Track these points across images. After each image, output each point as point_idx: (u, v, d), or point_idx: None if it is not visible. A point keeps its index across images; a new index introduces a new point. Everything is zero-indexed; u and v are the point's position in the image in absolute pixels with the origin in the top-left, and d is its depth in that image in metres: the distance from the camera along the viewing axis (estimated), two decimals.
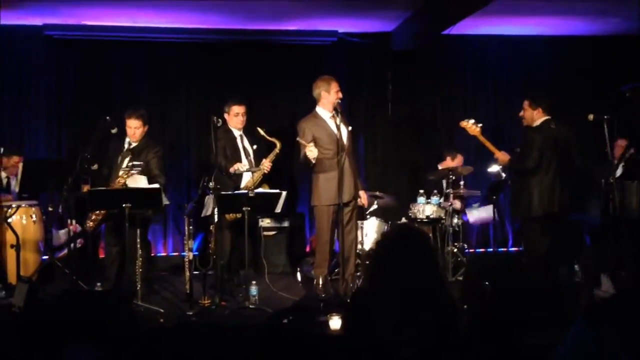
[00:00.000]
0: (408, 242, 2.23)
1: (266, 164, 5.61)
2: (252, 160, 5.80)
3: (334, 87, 5.22)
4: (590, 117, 5.19)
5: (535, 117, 5.34)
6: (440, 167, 6.71)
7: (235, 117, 5.74)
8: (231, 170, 5.58)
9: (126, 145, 5.49)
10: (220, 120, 5.36)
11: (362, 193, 5.46)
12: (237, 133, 5.80)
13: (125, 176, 5.13)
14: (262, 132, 5.62)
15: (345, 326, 2.69)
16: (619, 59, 7.40)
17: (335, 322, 3.76)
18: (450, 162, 6.69)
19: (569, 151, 5.33)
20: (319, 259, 5.32)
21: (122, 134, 5.50)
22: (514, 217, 5.63)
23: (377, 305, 2.20)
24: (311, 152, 5.03)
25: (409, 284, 2.16)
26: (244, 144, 5.82)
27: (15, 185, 6.01)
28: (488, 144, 5.46)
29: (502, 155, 5.45)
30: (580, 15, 6.82)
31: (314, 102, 5.46)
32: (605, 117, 5.11)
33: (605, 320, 2.07)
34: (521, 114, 5.44)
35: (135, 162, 5.20)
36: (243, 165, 5.66)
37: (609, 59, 7.47)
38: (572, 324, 2.08)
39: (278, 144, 5.61)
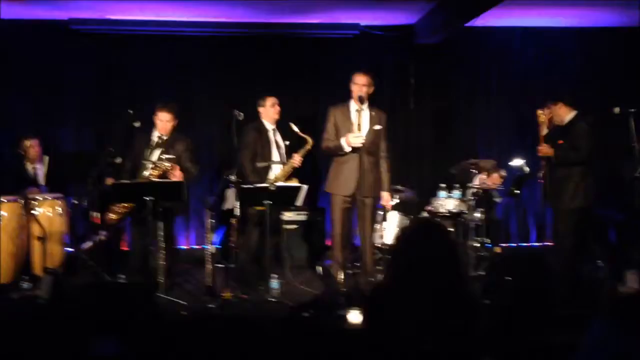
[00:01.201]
0: (428, 237, 2.22)
1: (297, 159, 5.63)
2: (284, 154, 5.81)
3: (355, 79, 5.25)
4: (617, 110, 5.10)
5: (562, 112, 5.28)
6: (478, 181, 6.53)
7: (272, 108, 5.73)
8: (259, 164, 5.61)
9: (155, 139, 5.53)
10: (241, 113, 5.36)
11: (384, 194, 5.43)
12: (269, 127, 5.79)
13: (158, 169, 5.20)
14: (294, 127, 5.61)
15: (365, 320, 2.68)
16: None
17: (354, 316, 3.77)
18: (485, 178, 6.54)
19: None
20: (334, 251, 5.38)
21: (149, 127, 5.56)
22: (553, 208, 5.50)
23: (396, 300, 2.20)
24: (358, 137, 5.05)
25: (428, 279, 2.14)
26: (276, 138, 5.82)
27: (42, 178, 6.12)
28: (542, 135, 5.40)
29: (546, 148, 5.35)
30: (607, 6, 6.70)
31: (335, 95, 5.46)
32: (632, 110, 5.02)
33: (628, 317, 2.05)
34: (549, 116, 5.38)
35: (167, 155, 5.30)
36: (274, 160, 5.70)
37: (636, 51, 7.33)
38: (594, 320, 2.06)
39: (310, 141, 5.61)
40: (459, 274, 2.21)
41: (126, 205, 5.34)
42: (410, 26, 7.32)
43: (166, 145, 5.46)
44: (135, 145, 5.60)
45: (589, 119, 5.24)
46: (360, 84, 5.22)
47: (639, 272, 4.64)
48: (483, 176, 6.40)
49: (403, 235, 2.38)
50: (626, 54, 7.40)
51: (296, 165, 5.64)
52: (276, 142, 5.81)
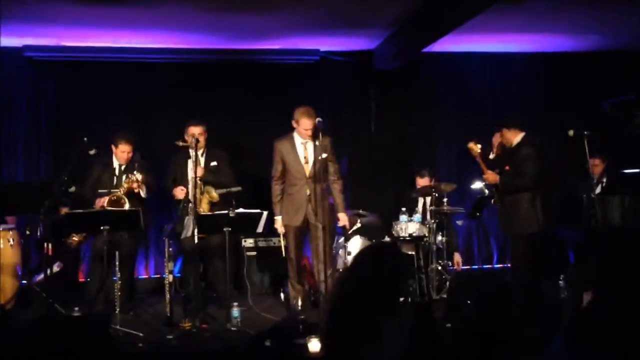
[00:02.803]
0: (374, 258, 2.22)
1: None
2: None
3: (302, 123, 5.25)
4: (571, 132, 5.20)
5: (513, 136, 5.40)
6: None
7: (191, 138, 5.52)
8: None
9: (116, 168, 5.63)
10: (198, 139, 5.31)
11: (341, 215, 5.48)
12: (192, 152, 5.59)
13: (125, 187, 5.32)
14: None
15: (323, 347, 2.64)
16: (599, 74, 7.45)
17: (314, 345, 3.70)
18: (423, 182, 6.64)
19: (546, 165, 5.41)
20: (290, 278, 5.48)
21: (106, 157, 5.63)
22: (506, 234, 5.61)
23: (348, 324, 2.17)
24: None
25: (374, 297, 2.14)
26: (200, 161, 5.69)
27: None
28: (482, 164, 5.53)
29: (492, 176, 5.44)
30: (560, 32, 6.87)
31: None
32: (585, 132, 5.12)
33: (584, 336, 2.08)
34: (500, 140, 5.48)
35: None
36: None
37: (589, 75, 7.52)
38: (554, 338, 2.09)
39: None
40: (401, 287, 2.21)
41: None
42: (370, 52, 7.38)
43: (129, 171, 5.53)
44: (92, 174, 5.58)
45: (536, 141, 5.34)
46: (306, 128, 5.22)
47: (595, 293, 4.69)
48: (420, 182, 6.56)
49: (355, 257, 2.39)
50: (580, 77, 7.57)
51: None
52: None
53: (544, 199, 5.29)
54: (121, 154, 5.60)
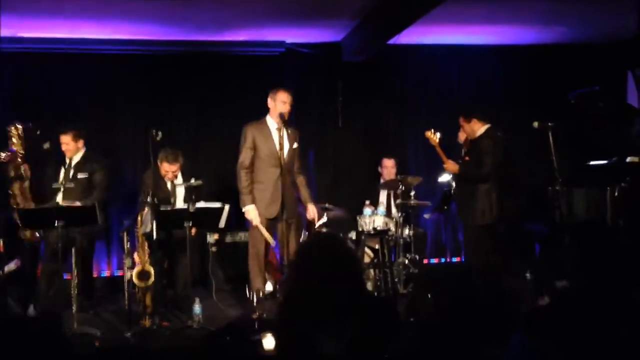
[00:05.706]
0: (322, 250, 2.15)
1: None
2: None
3: (280, 96, 5.15)
4: (535, 124, 5.18)
5: (475, 127, 5.42)
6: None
7: (165, 174, 5.47)
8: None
9: (67, 161, 5.51)
10: (159, 133, 5.14)
11: (310, 206, 5.36)
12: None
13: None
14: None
15: (277, 343, 2.56)
16: (566, 66, 7.46)
17: (268, 342, 3.61)
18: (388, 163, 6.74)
19: (511, 158, 5.42)
20: (252, 273, 5.24)
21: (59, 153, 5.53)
22: (464, 224, 5.69)
23: (300, 317, 2.10)
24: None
25: (324, 290, 2.07)
26: (175, 190, 5.59)
27: None
28: (441, 154, 5.59)
29: (452, 165, 5.52)
30: (526, 24, 6.85)
31: (263, 113, 5.34)
32: (550, 124, 5.10)
33: (542, 328, 2.06)
34: (461, 132, 5.65)
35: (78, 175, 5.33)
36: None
37: (554, 67, 7.53)
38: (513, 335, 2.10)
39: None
40: (355, 288, 2.14)
41: None
42: (337, 43, 7.28)
43: (76, 167, 5.43)
44: (48, 171, 5.49)
45: (496, 133, 5.40)
46: (287, 102, 5.12)
47: (550, 286, 4.71)
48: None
49: (299, 250, 2.32)
50: (547, 69, 7.58)
51: None
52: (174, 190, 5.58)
53: (500, 191, 5.34)
54: (62, 145, 5.48)
